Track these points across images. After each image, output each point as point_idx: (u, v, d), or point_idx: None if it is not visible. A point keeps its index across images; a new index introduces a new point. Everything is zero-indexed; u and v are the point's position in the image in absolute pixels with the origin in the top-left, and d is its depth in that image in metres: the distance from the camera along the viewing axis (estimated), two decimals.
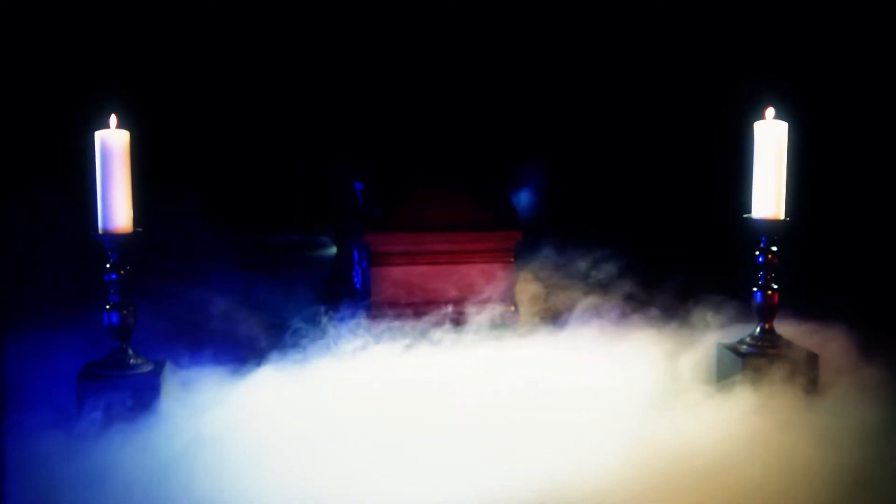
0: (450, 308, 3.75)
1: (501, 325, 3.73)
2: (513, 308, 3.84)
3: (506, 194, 4.01)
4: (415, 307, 3.77)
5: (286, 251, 4.78)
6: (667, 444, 2.89)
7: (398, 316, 3.73)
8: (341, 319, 3.71)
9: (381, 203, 3.92)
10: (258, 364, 3.36)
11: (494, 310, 3.76)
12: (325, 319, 3.63)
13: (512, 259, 3.88)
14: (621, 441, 2.90)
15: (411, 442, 2.86)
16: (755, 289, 3.34)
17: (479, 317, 3.70)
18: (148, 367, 3.23)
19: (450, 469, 2.73)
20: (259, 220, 4.60)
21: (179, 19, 3.84)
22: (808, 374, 3.25)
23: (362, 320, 3.69)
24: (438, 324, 3.65)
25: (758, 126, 3.28)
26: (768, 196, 3.27)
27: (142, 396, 3.12)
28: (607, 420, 3.04)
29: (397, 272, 3.81)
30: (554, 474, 2.76)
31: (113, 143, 3.16)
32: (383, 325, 3.65)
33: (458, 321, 3.70)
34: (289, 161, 4.35)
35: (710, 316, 3.65)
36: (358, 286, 3.96)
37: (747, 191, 3.30)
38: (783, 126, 3.27)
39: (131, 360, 3.22)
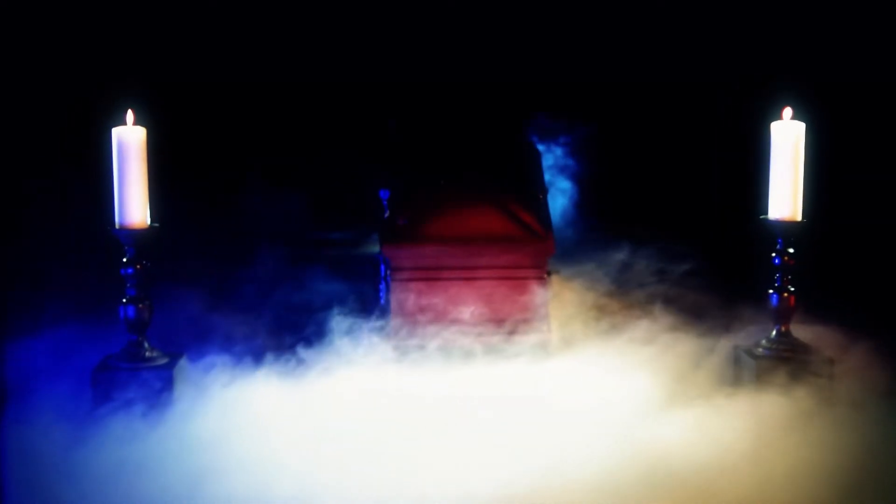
0: (475, 327, 3.52)
1: (531, 344, 3.50)
2: (545, 326, 3.57)
3: (541, 202, 3.72)
4: (437, 325, 3.51)
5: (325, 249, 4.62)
6: (669, 447, 2.87)
7: (418, 334, 3.50)
8: (358, 334, 3.53)
9: (404, 213, 3.66)
10: (257, 368, 3.35)
11: (524, 329, 3.54)
12: (340, 332, 3.49)
13: (544, 274, 3.59)
14: (628, 444, 2.89)
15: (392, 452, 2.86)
16: (771, 291, 3.31)
17: (506, 336, 3.51)
18: (163, 360, 3.28)
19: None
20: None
21: (202, 17, 3.88)
22: (824, 378, 3.20)
23: (380, 337, 3.51)
24: (461, 344, 3.46)
25: (775, 126, 3.24)
26: (785, 197, 3.23)
27: (155, 389, 3.17)
28: (617, 423, 3.02)
29: (418, 287, 3.54)
30: (558, 476, 2.76)
31: (129, 139, 3.20)
32: (400, 342, 3.48)
33: (483, 341, 3.49)
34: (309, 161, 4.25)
35: (731, 317, 3.61)
36: (382, 300, 3.73)
37: (763, 191, 3.26)
38: (800, 126, 3.23)
39: (147, 353, 3.27)
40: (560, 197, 4.33)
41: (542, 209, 3.68)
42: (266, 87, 4.07)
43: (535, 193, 3.70)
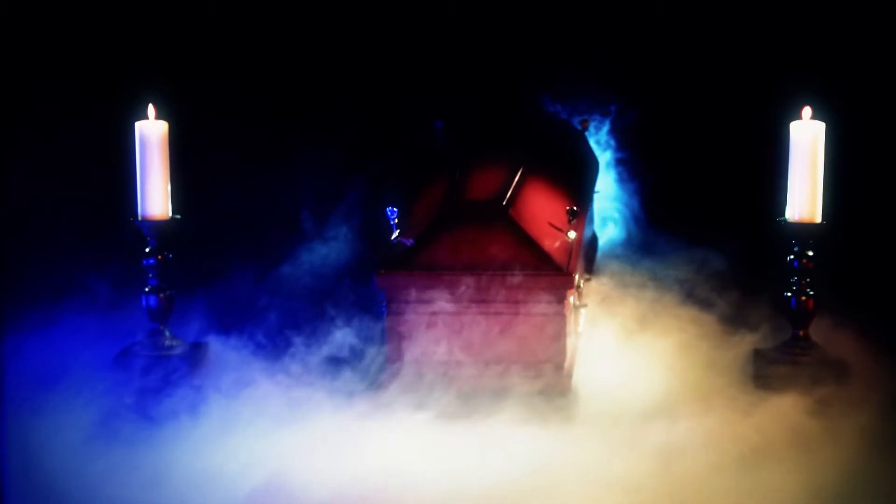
0: (480, 370, 3.11)
1: (543, 390, 3.10)
2: (561, 369, 3.13)
3: (572, 224, 3.26)
4: (435, 367, 3.11)
5: None
6: (668, 451, 2.85)
7: (413, 377, 3.10)
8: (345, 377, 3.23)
9: (408, 235, 3.22)
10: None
11: (536, 372, 3.11)
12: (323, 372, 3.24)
13: (563, 310, 3.12)
14: (626, 447, 2.88)
15: None
16: (789, 294, 3.24)
17: (515, 381, 3.10)
18: (183, 349, 3.36)
19: None
20: None
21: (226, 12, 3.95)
22: (839, 385, 3.14)
23: (372, 380, 3.17)
24: (461, 390, 3.08)
25: (794, 126, 3.17)
26: (804, 198, 3.17)
27: (170, 377, 3.25)
28: (617, 426, 3.01)
29: (415, 323, 3.12)
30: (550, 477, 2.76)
31: (151, 133, 3.29)
32: (391, 383, 3.11)
33: (488, 386, 3.10)
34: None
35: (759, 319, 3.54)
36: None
37: (781, 193, 3.20)
38: (820, 126, 3.16)
39: (167, 342, 3.37)
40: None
41: (571, 233, 3.25)
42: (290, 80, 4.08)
43: (569, 213, 3.24)
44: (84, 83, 3.78)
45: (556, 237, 3.24)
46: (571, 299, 3.23)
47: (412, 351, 3.13)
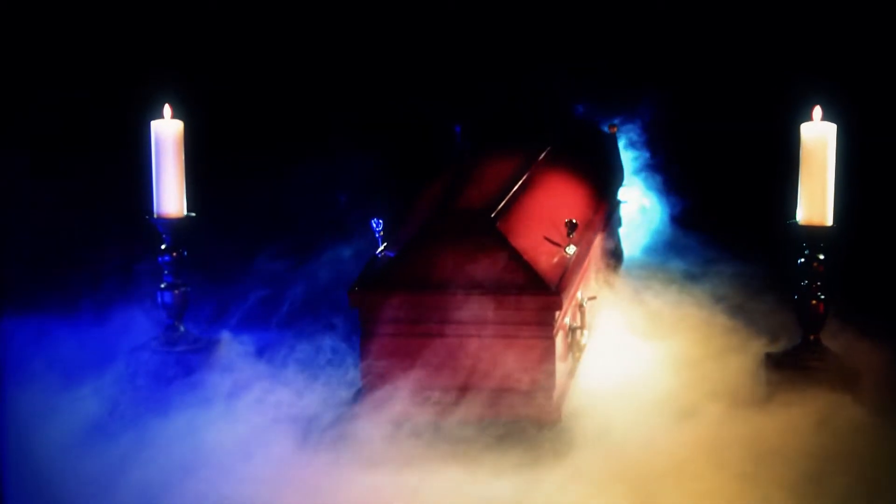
0: (458, 397, 2.84)
1: (528, 420, 2.83)
2: (549, 397, 2.85)
3: (571, 239, 3.05)
4: (412, 395, 2.83)
5: None
6: (661, 451, 2.83)
7: (387, 405, 2.82)
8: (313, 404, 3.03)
9: (392, 249, 3.01)
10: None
11: (521, 401, 2.84)
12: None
13: (551, 333, 2.84)
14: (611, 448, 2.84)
15: None
16: (799, 297, 3.19)
17: (496, 411, 2.84)
18: (197, 345, 3.41)
19: None
20: None
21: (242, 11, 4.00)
22: (850, 391, 3.07)
23: (342, 408, 2.96)
24: (434, 419, 2.82)
25: (804, 127, 3.13)
26: (814, 201, 3.12)
27: (182, 373, 3.30)
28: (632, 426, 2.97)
29: (390, 345, 2.87)
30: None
31: (167, 132, 3.35)
32: (365, 413, 2.85)
33: (469, 416, 2.82)
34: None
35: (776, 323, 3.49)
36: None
37: (792, 195, 3.16)
38: (831, 127, 3.11)
39: (181, 338, 3.42)
40: None
41: (570, 248, 3.02)
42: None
43: (568, 227, 3.01)
44: (100, 83, 3.87)
45: (554, 252, 3.00)
46: (567, 320, 3.02)
47: (386, 375, 2.87)
